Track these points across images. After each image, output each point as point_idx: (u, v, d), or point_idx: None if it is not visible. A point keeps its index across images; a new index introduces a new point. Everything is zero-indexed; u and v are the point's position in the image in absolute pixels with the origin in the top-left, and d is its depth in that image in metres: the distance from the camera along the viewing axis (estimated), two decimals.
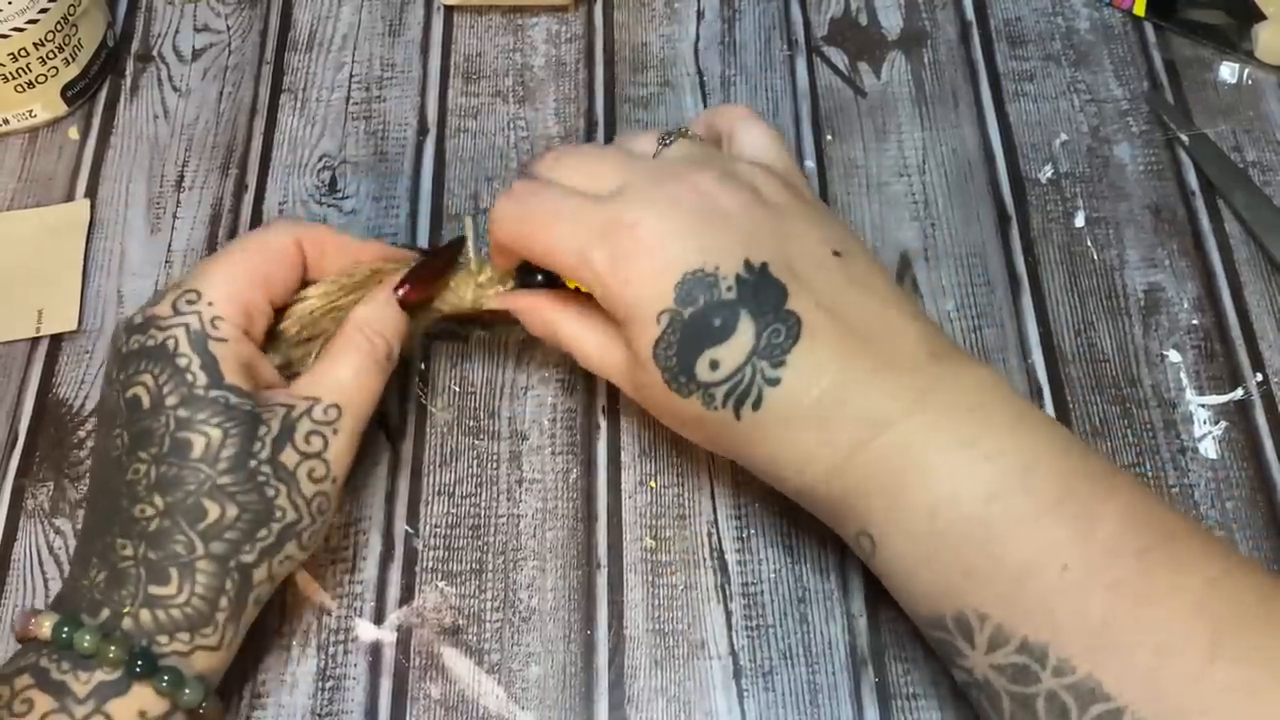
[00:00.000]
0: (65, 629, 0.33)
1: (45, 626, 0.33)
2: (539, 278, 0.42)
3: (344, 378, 0.38)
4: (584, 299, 0.39)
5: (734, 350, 0.35)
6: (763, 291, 0.35)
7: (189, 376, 0.35)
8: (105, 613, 0.34)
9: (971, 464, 0.33)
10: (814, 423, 0.34)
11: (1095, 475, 0.33)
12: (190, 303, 0.36)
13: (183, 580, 0.34)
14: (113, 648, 0.33)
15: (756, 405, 0.35)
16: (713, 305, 0.35)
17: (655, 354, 0.36)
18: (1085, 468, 0.33)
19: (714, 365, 0.35)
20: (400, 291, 0.40)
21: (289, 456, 0.36)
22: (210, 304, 0.36)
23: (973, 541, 0.32)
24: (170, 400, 0.35)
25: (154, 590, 0.34)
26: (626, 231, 0.36)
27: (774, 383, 0.34)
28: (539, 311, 0.40)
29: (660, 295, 0.35)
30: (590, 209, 0.37)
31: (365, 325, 0.39)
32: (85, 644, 0.33)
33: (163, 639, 0.34)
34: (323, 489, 0.37)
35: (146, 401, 0.35)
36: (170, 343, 0.36)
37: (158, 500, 0.34)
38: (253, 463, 0.35)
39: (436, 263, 0.42)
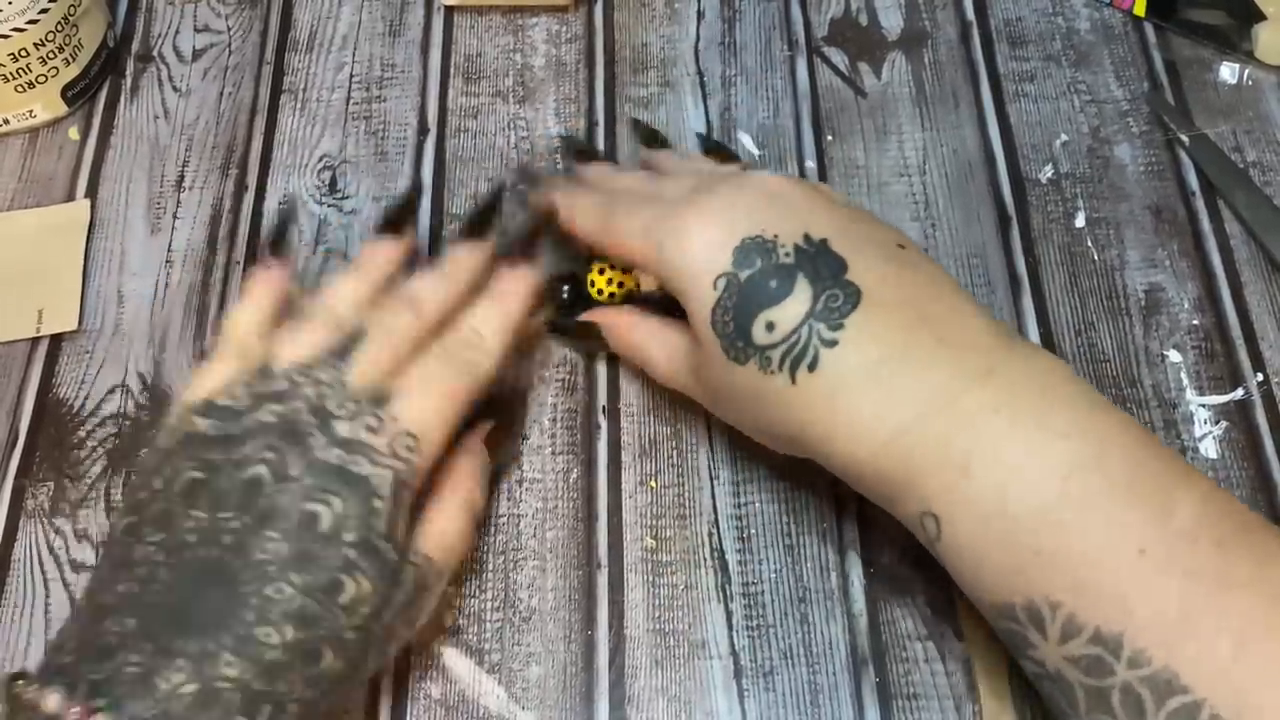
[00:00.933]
0: None
1: None
2: (564, 292, 0.44)
3: (449, 537, 0.37)
4: (649, 316, 0.42)
5: (790, 311, 0.34)
6: (822, 260, 0.35)
7: (373, 521, 0.34)
8: None
9: (1045, 441, 0.31)
10: (874, 388, 0.33)
11: (1168, 462, 0.32)
12: (409, 450, 0.35)
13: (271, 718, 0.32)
14: None
15: (813, 367, 0.34)
16: (769, 268, 0.35)
17: (713, 321, 0.36)
18: (1158, 454, 0.32)
19: (770, 327, 0.34)
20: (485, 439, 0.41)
21: (397, 621, 0.35)
22: (420, 459, 0.36)
23: (1046, 522, 0.31)
24: (348, 536, 0.33)
25: None
26: (688, 208, 0.37)
27: (831, 344, 0.34)
28: (617, 326, 0.42)
29: (717, 260, 0.36)
30: (658, 199, 0.39)
31: (465, 479, 0.39)
32: None
33: None
34: (398, 648, 0.36)
35: (326, 525, 0.33)
36: (375, 480, 0.34)
37: (288, 632, 0.32)
38: (376, 625, 0.34)
39: (508, 408, 0.43)
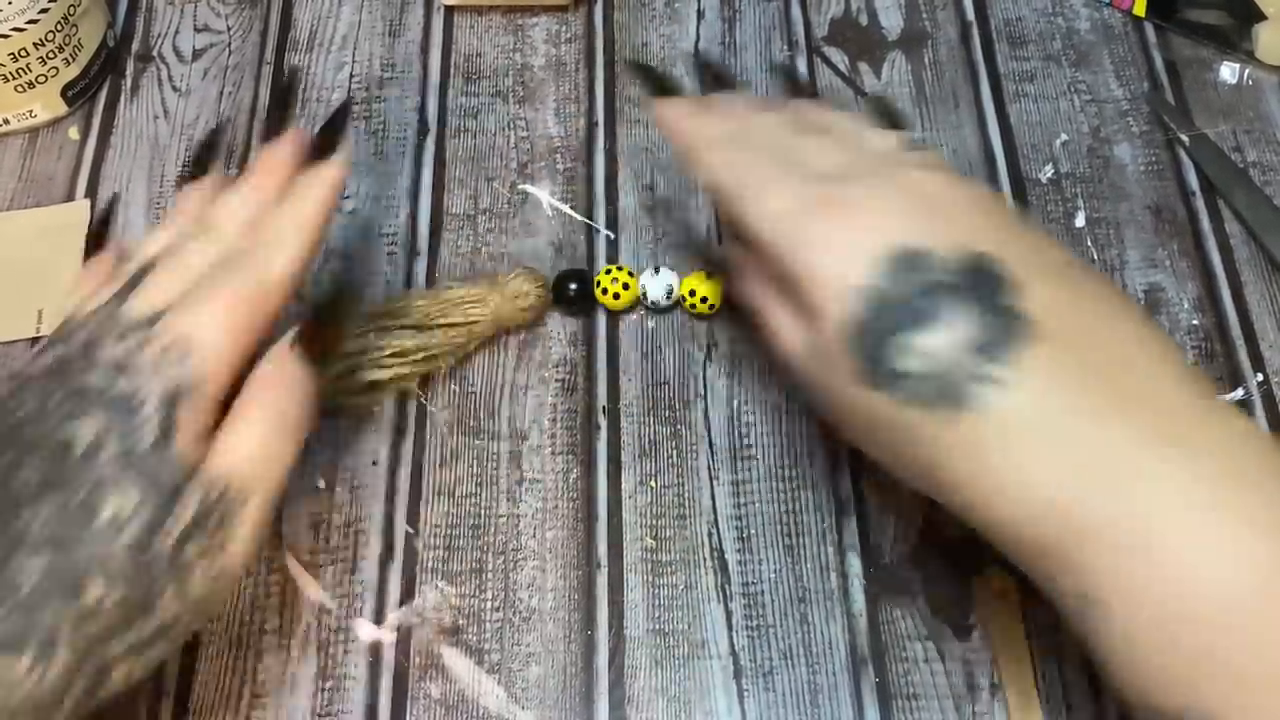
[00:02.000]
0: None
1: None
2: (571, 290, 0.45)
3: (252, 451, 0.32)
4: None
5: (943, 338, 0.29)
6: (984, 280, 0.30)
7: (137, 434, 0.31)
8: None
9: (1243, 537, 0.27)
10: (1034, 442, 0.28)
11: None
12: (181, 358, 0.32)
13: (37, 662, 0.28)
14: None
15: (964, 408, 0.29)
16: (923, 286, 0.30)
17: (848, 336, 0.31)
18: None
19: (916, 354, 0.29)
20: (296, 345, 0.34)
21: (194, 545, 0.31)
22: (200, 366, 0.32)
23: (1224, 630, 0.26)
24: (105, 454, 0.30)
25: (3, 664, 0.28)
26: (840, 205, 0.32)
27: (989, 383, 0.29)
28: (742, 270, 0.38)
29: (863, 267, 0.31)
30: (810, 183, 0.33)
31: (272, 388, 0.33)
32: None
33: None
34: (215, 589, 0.31)
35: (81, 446, 0.30)
36: (141, 393, 0.31)
37: (37, 561, 0.29)
38: (158, 546, 0.30)
39: (331, 305, 0.36)
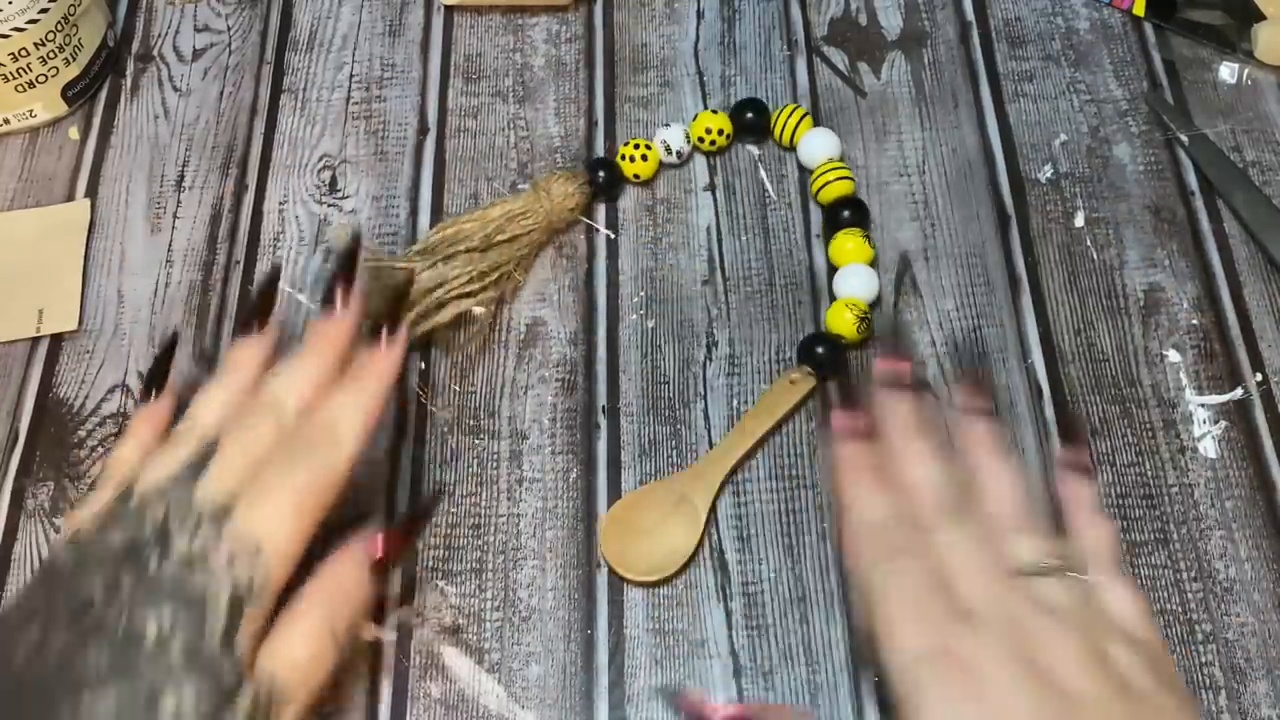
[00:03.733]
0: None
1: None
2: (600, 176, 0.48)
3: (299, 658, 0.33)
4: None
5: None
6: None
7: (205, 633, 0.31)
8: None
9: None
10: None
11: None
12: (250, 561, 0.33)
13: None
14: None
15: None
16: None
17: None
18: None
19: None
20: (376, 551, 0.36)
21: None
22: (266, 569, 0.33)
23: None
24: (174, 649, 0.31)
25: None
26: (961, 669, 0.31)
27: None
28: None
29: None
30: (938, 622, 0.32)
31: (330, 595, 0.34)
32: None
33: None
34: None
35: (151, 639, 0.31)
36: (209, 594, 0.32)
37: None
38: None
39: (417, 518, 0.39)
